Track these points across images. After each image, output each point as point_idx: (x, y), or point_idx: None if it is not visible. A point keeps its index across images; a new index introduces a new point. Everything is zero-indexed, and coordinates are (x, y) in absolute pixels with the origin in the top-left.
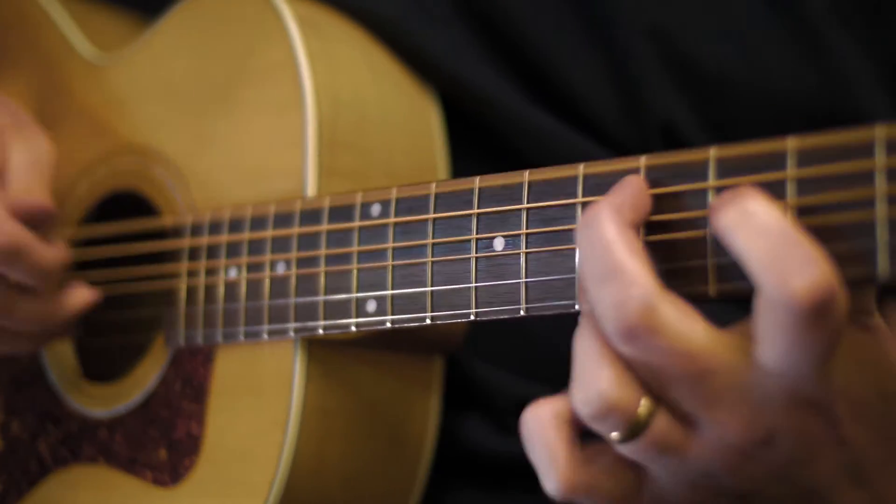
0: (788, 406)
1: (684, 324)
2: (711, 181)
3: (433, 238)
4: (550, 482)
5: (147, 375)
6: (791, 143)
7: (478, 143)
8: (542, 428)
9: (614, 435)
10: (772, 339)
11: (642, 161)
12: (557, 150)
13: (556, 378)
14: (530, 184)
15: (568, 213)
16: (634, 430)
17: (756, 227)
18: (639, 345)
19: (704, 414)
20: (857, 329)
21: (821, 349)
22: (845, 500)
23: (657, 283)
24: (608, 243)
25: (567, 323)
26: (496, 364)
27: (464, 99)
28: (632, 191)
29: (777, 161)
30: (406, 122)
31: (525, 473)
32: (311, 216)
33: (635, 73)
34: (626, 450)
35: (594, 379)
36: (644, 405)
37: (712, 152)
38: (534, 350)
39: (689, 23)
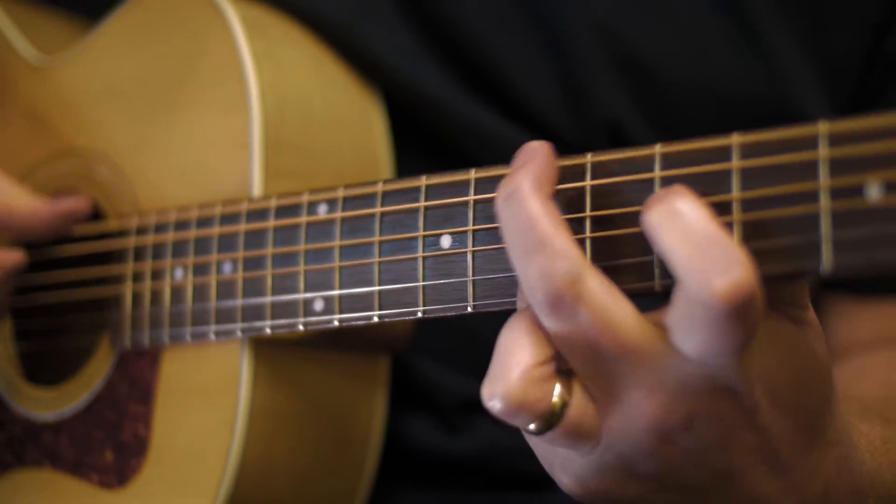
0: (706, 391)
1: (610, 297)
2: (657, 173)
3: (380, 236)
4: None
5: (93, 378)
6: (736, 139)
7: (423, 142)
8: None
9: (531, 427)
10: (689, 330)
11: (588, 158)
12: (502, 149)
13: None
14: (476, 181)
15: None
16: (549, 421)
17: (681, 227)
18: (563, 314)
19: (622, 394)
20: (786, 321)
21: (738, 343)
22: (761, 486)
23: (583, 256)
24: (533, 216)
25: None
26: (443, 363)
27: (409, 98)
28: (545, 161)
29: (722, 155)
30: (351, 122)
31: (471, 472)
32: (257, 215)
33: (580, 71)
34: (542, 439)
35: (506, 371)
36: (557, 395)
37: (658, 148)
38: (480, 349)
39: (633, 21)
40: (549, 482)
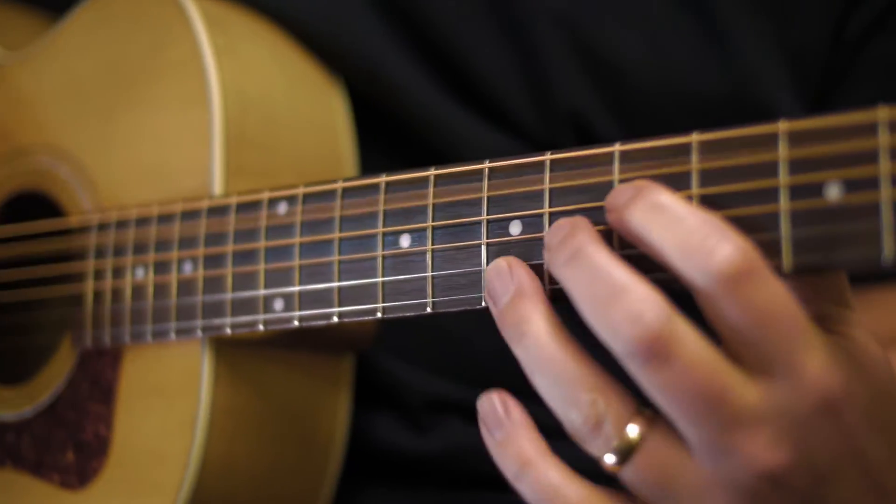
0: (813, 416)
1: (700, 339)
2: (616, 175)
3: (340, 233)
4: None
5: (54, 378)
6: (696, 137)
7: (388, 135)
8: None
9: (608, 458)
10: (733, 324)
11: (547, 156)
12: (466, 142)
13: (469, 375)
14: (436, 178)
15: (473, 209)
16: (626, 449)
17: (669, 219)
18: (656, 362)
19: (719, 440)
20: (838, 336)
21: (782, 314)
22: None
23: (666, 299)
24: (606, 266)
25: (479, 320)
26: (407, 361)
27: (374, 90)
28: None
29: (681, 154)
30: (314, 119)
31: (438, 472)
32: (218, 213)
33: (544, 64)
34: (622, 475)
35: (581, 387)
36: (636, 424)
37: (617, 147)
38: (445, 347)
39: (596, 15)
40: None
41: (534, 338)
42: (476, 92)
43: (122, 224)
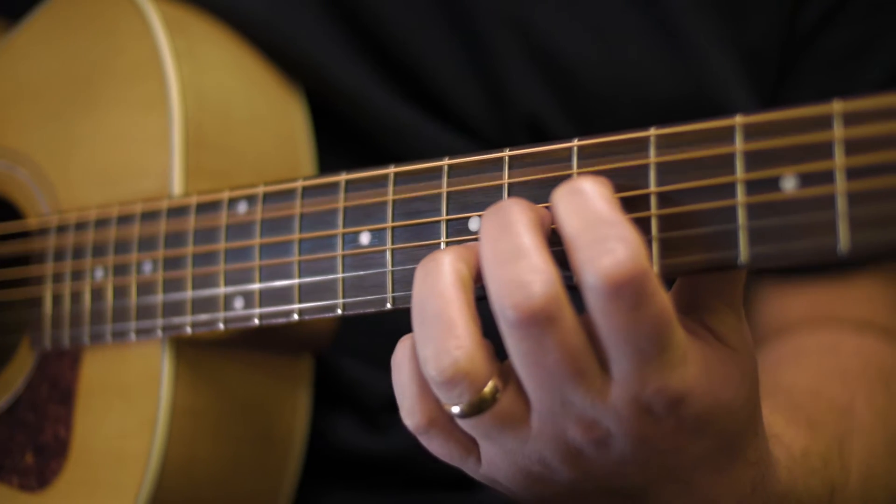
0: (628, 414)
1: (576, 322)
2: (575, 169)
3: (300, 233)
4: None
5: (13, 380)
6: (653, 132)
7: (345, 139)
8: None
9: (455, 409)
10: (602, 324)
11: (506, 152)
12: (423, 146)
13: None
14: (395, 176)
15: (433, 206)
16: (480, 406)
17: (577, 203)
18: (531, 331)
19: (559, 412)
20: (715, 342)
21: (648, 331)
22: (674, 501)
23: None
24: (518, 226)
25: None
26: (367, 362)
27: (330, 95)
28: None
29: (639, 149)
30: (272, 120)
31: (398, 472)
32: (178, 214)
33: (499, 67)
34: (465, 424)
35: (453, 340)
36: (491, 384)
37: (575, 142)
38: None
39: (549, 16)
40: (475, 481)
41: (438, 270)
42: (431, 96)
43: (81, 226)
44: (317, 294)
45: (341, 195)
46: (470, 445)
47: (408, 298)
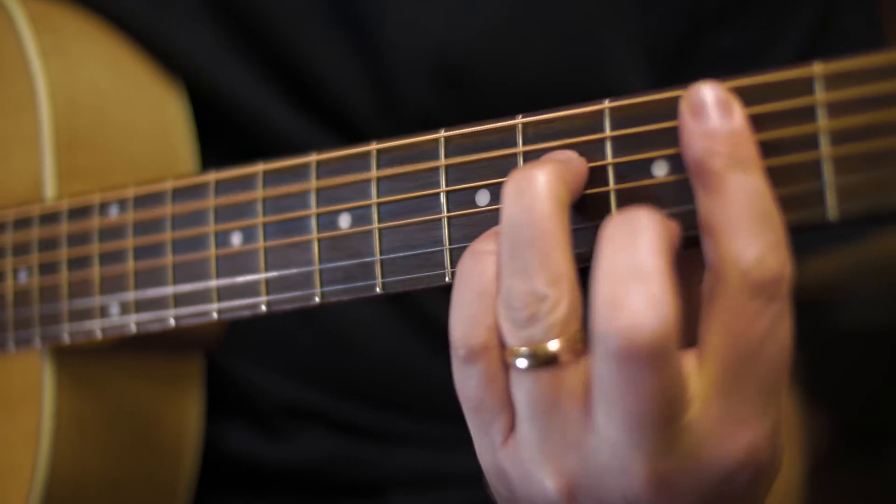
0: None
1: (681, 368)
2: (443, 161)
3: (172, 233)
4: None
5: None
6: (608, 104)
7: (231, 144)
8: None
9: (522, 359)
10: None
11: (373, 146)
12: (307, 148)
13: (327, 381)
14: (265, 173)
15: (303, 201)
16: (547, 359)
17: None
18: (630, 365)
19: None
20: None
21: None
22: None
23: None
24: (638, 243)
25: (344, 326)
26: (261, 364)
27: (211, 98)
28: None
29: (595, 126)
30: (149, 118)
31: (297, 482)
32: (50, 220)
33: (390, 71)
34: (519, 377)
35: (547, 274)
36: (569, 344)
37: (442, 133)
38: (296, 352)
39: (439, 12)
40: (378, 491)
41: (534, 193)
42: (321, 100)
43: None
44: (192, 298)
45: (211, 195)
46: (505, 407)
47: (281, 300)
